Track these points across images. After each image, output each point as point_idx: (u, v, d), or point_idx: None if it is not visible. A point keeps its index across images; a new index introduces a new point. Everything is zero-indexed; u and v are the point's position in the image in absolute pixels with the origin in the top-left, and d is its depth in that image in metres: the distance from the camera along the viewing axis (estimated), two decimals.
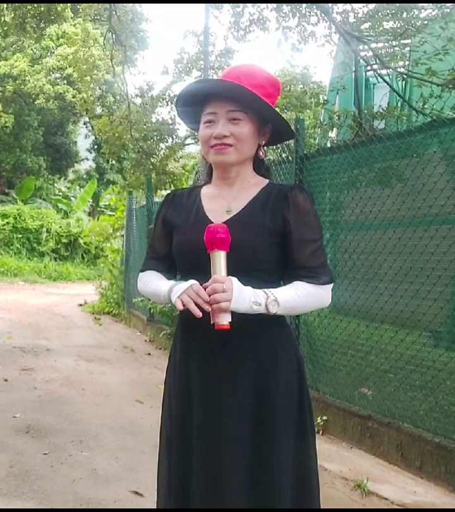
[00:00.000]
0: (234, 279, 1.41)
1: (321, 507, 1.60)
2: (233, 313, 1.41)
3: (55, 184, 22.89)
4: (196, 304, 1.41)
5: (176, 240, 1.61)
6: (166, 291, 1.53)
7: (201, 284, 1.43)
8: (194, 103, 1.58)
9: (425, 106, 5.03)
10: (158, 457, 1.65)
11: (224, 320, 1.40)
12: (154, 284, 1.63)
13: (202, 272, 1.45)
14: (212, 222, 1.53)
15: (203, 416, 1.50)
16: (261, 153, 1.60)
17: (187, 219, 1.60)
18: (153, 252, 1.71)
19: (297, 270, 1.52)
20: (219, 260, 1.42)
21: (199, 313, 1.40)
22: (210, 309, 1.40)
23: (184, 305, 1.43)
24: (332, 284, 1.56)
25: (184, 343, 1.60)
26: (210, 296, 1.40)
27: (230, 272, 1.43)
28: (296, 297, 1.48)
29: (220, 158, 1.55)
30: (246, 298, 1.41)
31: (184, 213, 1.62)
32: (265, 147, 1.65)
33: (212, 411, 1.49)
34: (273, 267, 1.53)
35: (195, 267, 1.51)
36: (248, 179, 1.60)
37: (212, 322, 1.41)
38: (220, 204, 1.58)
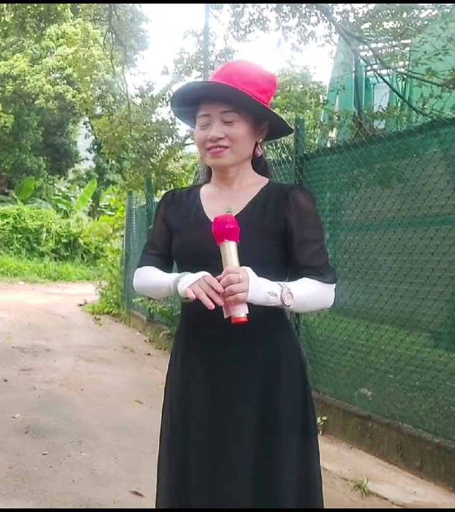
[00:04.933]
0: (249, 269, 1.36)
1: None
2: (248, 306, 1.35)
3: (55, 184, 22.88)
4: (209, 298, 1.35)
5: (176, 243, 1.58)
6: (171, 282, 1.48)
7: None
8: (188, 105, 1.57)
9: (425, 106, 5.03)
10: (158, 458, 1.65)
11: (241, 312, 1.33)
12: (154, 277, 1.59)
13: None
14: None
15: (206, 419, 1.49)
16: (258, 151, 1.58)
17: (186, 220, 1.57)
18: (153, 249, 1.67)
19: (300, 270, 1.50)
20: (230, 250, 1.36)
21: (211, 305, 1.34)
22: (223, 303, 1.34)
23: (195, 295, 1.36)
24: (335, 284, 1.54)
25: (187, 344, 1.58)
26: (224, 288, 1.33)
27: None
28: (307, 292, 1.46)
29: (217, 162, 1.53)
30: (262, 288, 1.36)
31: (183, 214, 1.59)
32: (264, 145, 1.62)
33: (215, 413, 1.48)
34: (276, 268, 1.50)
35: (197, 268, 1.46)
36: (247, 178, 1.58)
37: (226, 316, 1.35)
38: (220, 204, 1.55)
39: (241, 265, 1.37)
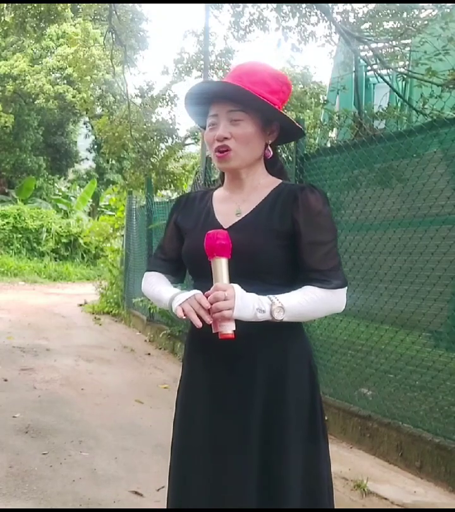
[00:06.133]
0: (237, 286, 1.37)
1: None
2: (241, 322, 1.37)
3: (55, 184, 22.89)
4: (198, 315, 1.38)
5: (185, 244, 1.59)
6: (168, 299, 1.50)
7: (205, 292, 1.39)
8: (199, 106, 1.57)
9: (425, 106, 5.04)
10: (170, 461, 1.63)
11: (228, 329, 1.35)
12: (158, 288, 1.61)
13: (211, 276, 1.42)
14: (221, 225, 1.50)
15: (209, 421, 1.49)
16: (267, 153, 1.56)
17: (196, 223, 1.57)
18: (162, 253, 1.69)
19: (308, 273, 1.46)
20: (220, 267, 1.38)
21: (199, 324, 1.37)
22: (211, 321, 1.37)
23: (185, 314, 1.40)
24: (345, 288, 1.50)
25: (194, 347, 1.59)
26: (211, 304, 1.36)
27: (238, 275, 1.39)
28: (303, 303, 1.42)
29: (223, 165, 1.53)
30: (249, 305, 1.37)
31: (194, 217, 1.60)
32: (273, 146, 1.59)
33: (219, 415, 1.48)
34: (282, 270, 1.48)
35: (204, 271, 1.46)
36: (259, 180, 1.56)
37: (214, 332, 1.38)
38: (230, 207, 1.55)
39: (233, 279, 1.38)
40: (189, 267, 1.62)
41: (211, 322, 1.37)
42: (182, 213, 1.65)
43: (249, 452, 1.45)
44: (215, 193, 1.64)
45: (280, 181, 1.58)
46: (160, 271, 1.67)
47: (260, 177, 1.57)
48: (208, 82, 1.62)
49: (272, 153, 1.57)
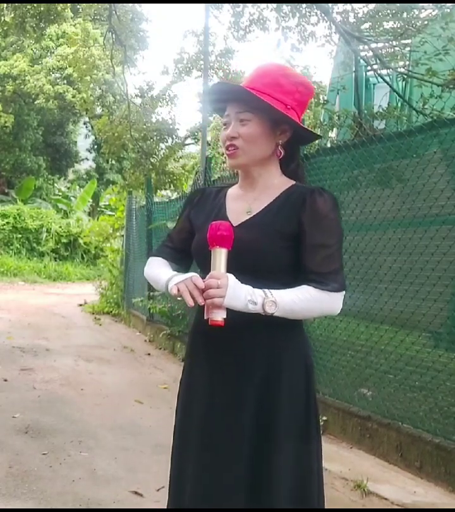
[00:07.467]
0: (231, 276, 1.40)
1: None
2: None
3: (55, 184, 22.89)
4: (192, 297, 1.41)
5: (195, 240, 1.62)
6: (166, 280, 1.54)
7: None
8: (220, 104, 1.61)
9: (425, 106, 5.03)
10: (170, 460, 1.64)
11: (218, 316, 1.39)
12: (157, 270, 1.65)
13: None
14: (231, 223, 1.51)
15: (208, 419, 1.50)
16: (277, 152, 1.56)
17: (208, 219, 1.58)
18: (170, 242, 1.74)
19: (307, 274, 1.47)
20: (219, 256, 1.41)
21: (191, 303, 1.41)
22: (203, 302, 1.40)
23: (179, 294, 1.43)
24: (343, 293, 1.51)
25: (194, 345, 1.61)
26: (204, 291, 1.40)
27: (242, 273, 1.41)
28: (297, 300, 1.43)
29: (231, 162, 1.57)
30: (241, 296, 1.39)
31: (206, 214, 1.62)
32: (289, 146, 1.58)
33: (216, 414, 1.49)
34: (286, 270, 1.50)
35: (209, 267, 1.47)
36: (272, 180, 1.58)
37: (206, 317, 1.41)
38: (242, 205, 1.57)
39: (230, 273, 1.41)
40: (197, 262, 1.64)
41: (203, 302, 1.40)
42: (196, 209, 1.68)
43: (241, 448, 1.46)
44: (229, 190, 1.67)
45: (294, 182, 1.59)
46: (164, 257, 1.71)
47: (274, 177, 1.58)
48: (221, 83, 1.67)
49: (282, 153, 1.57)
